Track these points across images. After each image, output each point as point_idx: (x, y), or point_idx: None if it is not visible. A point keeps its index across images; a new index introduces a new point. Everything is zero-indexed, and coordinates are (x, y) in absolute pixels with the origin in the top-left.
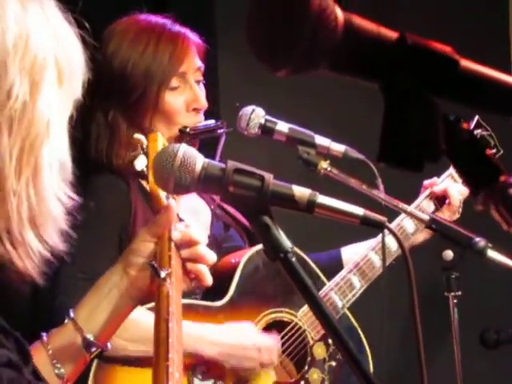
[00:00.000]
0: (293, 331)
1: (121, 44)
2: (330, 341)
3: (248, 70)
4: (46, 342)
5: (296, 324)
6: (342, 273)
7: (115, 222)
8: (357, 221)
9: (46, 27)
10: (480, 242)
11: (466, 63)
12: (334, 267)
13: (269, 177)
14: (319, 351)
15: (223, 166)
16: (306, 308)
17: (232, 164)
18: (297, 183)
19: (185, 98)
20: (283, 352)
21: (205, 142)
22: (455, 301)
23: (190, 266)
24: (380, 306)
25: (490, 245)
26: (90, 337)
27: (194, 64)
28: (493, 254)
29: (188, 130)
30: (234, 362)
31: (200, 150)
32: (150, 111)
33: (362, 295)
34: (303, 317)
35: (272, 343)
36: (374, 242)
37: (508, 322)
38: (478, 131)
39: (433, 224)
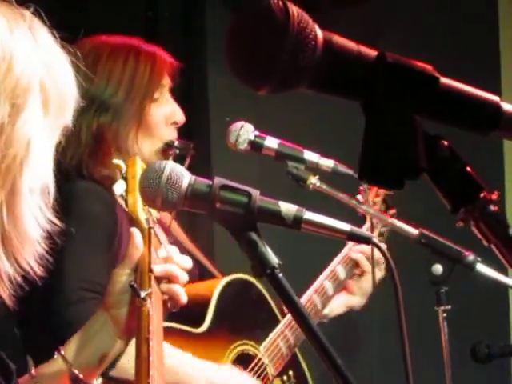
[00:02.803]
0: (258, 366)
1: (99, 58)
2: (285, 378)
3: (238, 85)
4: (34, 376)
5: (260, 359)
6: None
7: (104, 227)
8: (344, 236)
9: (33, 52)
10: (469, 256)
11: (446, 81)
12: None
13: (255, 193)
14: None
15: (210, 182)
16: (267, 342)
17: (219, 180)
18: (291, 196)
19: (164, 112)
20: None
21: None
22: (445, 315)
23: (164, 287)
24: (369, 322)
25: (478, 259)
26: (78, 373)
27: (168, 81)
28: (482, 267)
29: (176, 143)
30: None
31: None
32: (135, 123)
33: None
34: (265, 351)
35: None
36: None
37: (499, 335)
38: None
39: (422, 238)
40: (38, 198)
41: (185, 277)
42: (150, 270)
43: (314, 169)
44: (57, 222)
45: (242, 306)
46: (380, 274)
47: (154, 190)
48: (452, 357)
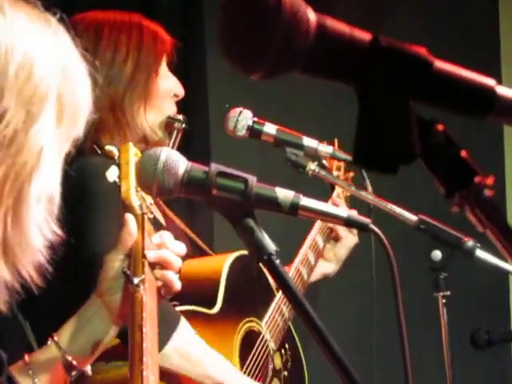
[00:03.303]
0: (262, 342)
1: (101, 31)
2: (283, 351)
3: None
4: (27, 362)
5: (263, 335)
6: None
7: (117, 202)
8: (341, 222)
9: (55, 61)
10: (469, 241)
11: (441, 64)
12: None
13: (252, 180)
14: (278, 361)
15: (206, 169)
16: (267, 318)
17: (215, 167)
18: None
19: (166, 85)
20: (255, 361)
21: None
22: (444, 301)
23: (158, 273)
24: (370, 309)
25: (478, 245)
26: (72, 359)
27: (166, 57)
28: (481, 253)
29: (180, 117)
30: None
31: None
32: (144, 97)
33: (351, 299)
34: (267, 328)
35: None
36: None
37: (498, 321)
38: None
39: (421, 224)
40: (43, 207)
41: (178, 263)
42: (144, 256)
43: (313, 155)
44: (60, 232)
45: (246, 282)
46: (354, 239)
47: (150, 177)
48: (451, 343)
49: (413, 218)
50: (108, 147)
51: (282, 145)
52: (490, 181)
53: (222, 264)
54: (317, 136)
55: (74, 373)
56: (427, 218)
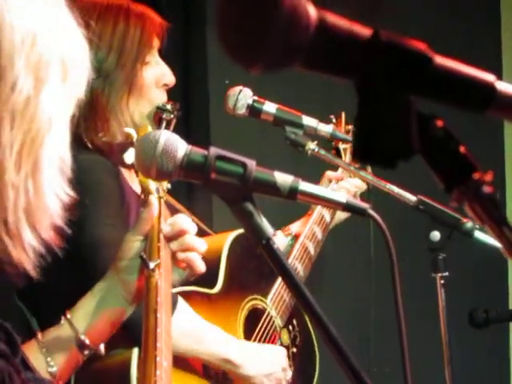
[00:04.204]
0: (267, 319)
1: (88, 23)
2: (290, 327)
3: None
4: (40, 340)
5: (268, 312)
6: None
7: (115, 197)
8: (340, 207)
9: (55, 25)
10: (467, 222)
11: (441, 60)
12: None
13: (251, 164)
14: (285, 338)
15: (205, 152)
16: (272, 295)
17: (214, 151)
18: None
19: (155, 74)
20: (260, 338)
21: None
22: (442, 282)
23: (181, 255)
24: (368, 291)
25: (477, 225)
26: (85, 338)
27: (157, 42)
28: (480, 234)
29: (168, 107)
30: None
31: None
32: (127, 87)
33: (349, 281)
34: (272, 304)
35: (285, 351)
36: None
37: (496, 301)
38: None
39: (420, 205)
40: (56, 170)
41: (203, 245)
42: (159, 241)
43: (313, 134)
44: (73, 194)
45: (248, 260)
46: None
47: (149, 160)
48: (450, 322)
49: (412, 198)
50: (126, 129)
51: (282, 124)
52: (488, 177)
53: (222, 243)
54: (318, 115)
55: (86, 352)
56: (426, 199)
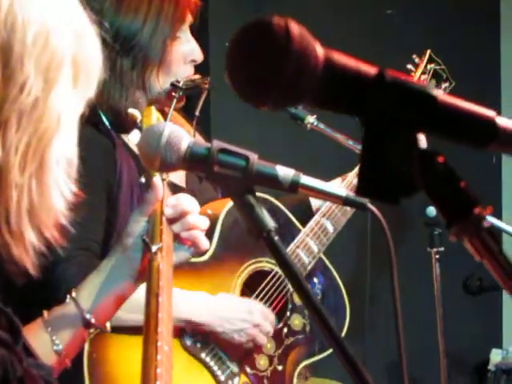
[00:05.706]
0: (274, 280)
1: None
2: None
3: (240, 18)
4: (46, 319)
5: (276, 272)
6: (316, 218)
7: (100, 180)
8: (339, 201)
9: (68, 25)
10: None
11: (444, 98)
12: (303, 212)
13: (253, 157)
14: (298, 297)
15: (208, 145)
16: None
17: (217, 144)
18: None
19: (184, 50)
20: (267, 300)
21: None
22: (437, 256)
23: (184, 234)
24: (364, 268)
25: None
26: (90, 317)
27: (190, 18)
28: None
29: (181, 84)
30: (227, 325)
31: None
32: (157, 61)
33: (346, 260)
34: None
35: (265, 309)
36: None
37: (491, 276)
38: (431, 65)
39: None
40: (63, 170)
41: (205, 222)
42: (161, 223)
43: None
44: (80, 194)
45: None
46: None
47: (153, 152)
48: (444, 293)
49: None
50: (131, 110)
51: None
52: (488, 211)
53: (220, 209)
54: None
55: (92, 330)
56: None
